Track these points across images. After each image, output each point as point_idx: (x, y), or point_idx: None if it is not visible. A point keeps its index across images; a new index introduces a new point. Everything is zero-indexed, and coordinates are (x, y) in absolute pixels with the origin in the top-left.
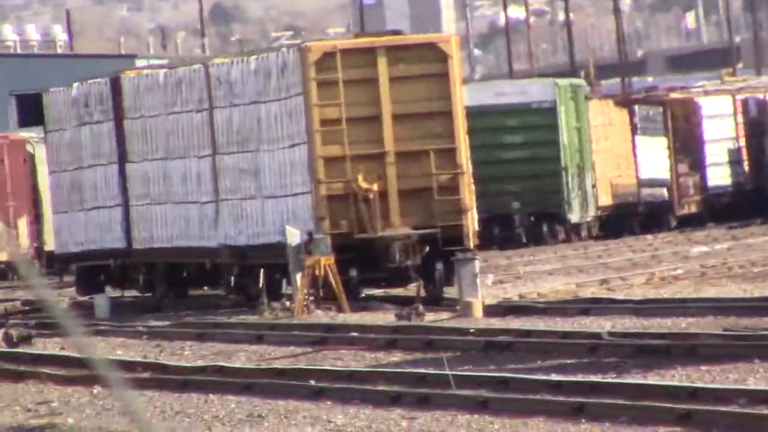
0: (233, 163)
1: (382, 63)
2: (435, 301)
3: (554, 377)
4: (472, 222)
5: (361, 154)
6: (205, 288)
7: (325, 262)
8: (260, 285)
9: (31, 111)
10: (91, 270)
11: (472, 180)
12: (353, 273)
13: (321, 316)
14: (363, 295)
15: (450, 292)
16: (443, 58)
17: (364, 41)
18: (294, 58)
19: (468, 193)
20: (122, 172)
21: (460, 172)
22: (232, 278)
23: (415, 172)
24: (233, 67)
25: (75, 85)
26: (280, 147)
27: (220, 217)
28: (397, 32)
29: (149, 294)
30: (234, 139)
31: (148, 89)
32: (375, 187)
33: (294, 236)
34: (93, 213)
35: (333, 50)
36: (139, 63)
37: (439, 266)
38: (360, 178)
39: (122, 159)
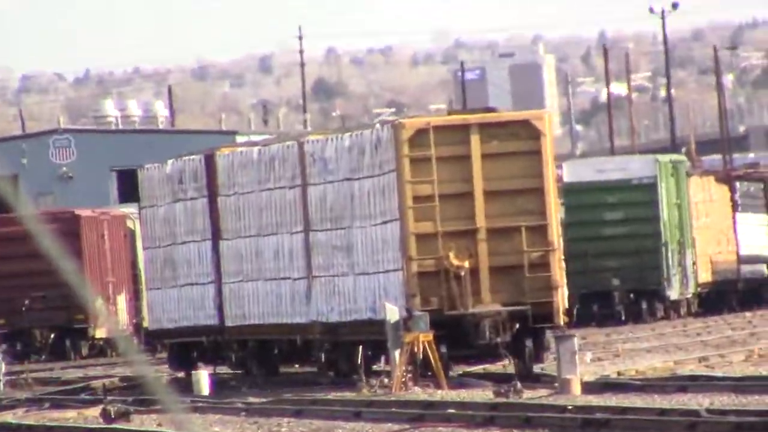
0: (326, 239)
1: (474, 140)
2: (527, 378)
3: None
4: (562, 299)
5: (453, 230)
6: (296, 365)
7: (424, 338)
8: (358, 361)
9: (131, 187)
10: (183, 346)
11: (562, 257)
12: (443, 349)
13: (419, 393)
14: (452, 372)
15: (547, 368)
16: (536, 135)
17: (457, 118)
18: (388, 134)
19: (559, 270)
20: (215, 249)
21: (551, 249)
22: (323, 354)
23: (506, 249)
24: (328, 143)
25: (170, 161)
26: (373, 224)
27: (312, 294)
28: (491, 109)
29: (241, 371)
30: (327, 215)
31: (242, 166)
32: (466, 263)
33: (393, 313)
34: (186, 289)
35: (426, 127)
36: (240, 139)
37: (529, 343)
38: (451, 254)
39: (215, 235)
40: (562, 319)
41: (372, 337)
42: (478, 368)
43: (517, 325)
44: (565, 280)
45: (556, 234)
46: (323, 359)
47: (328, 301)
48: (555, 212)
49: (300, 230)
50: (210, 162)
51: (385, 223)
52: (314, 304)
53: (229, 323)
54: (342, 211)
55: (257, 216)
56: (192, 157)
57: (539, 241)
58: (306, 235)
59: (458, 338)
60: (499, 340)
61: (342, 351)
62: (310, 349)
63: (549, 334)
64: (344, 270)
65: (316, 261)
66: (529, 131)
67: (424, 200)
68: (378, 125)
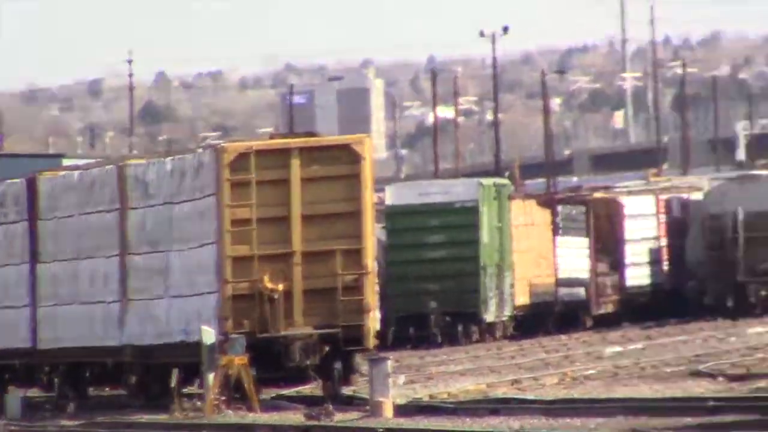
0: (143, 262)
1: (295, 164)
2: (335, 400)
3: None
4: (373, 322)
5: (269, 254)
6: (106, 389)
7: (239, 362)
8: (172, 384)
9: None
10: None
11: (376, 280)
12: (253, 372)
13: (232, 416)
14: (265, 395)
15: (360, 391)
16: (356, 159)
17: (278, 142)
18: (209, 158)
19: (371, 293)
20: (32, 272)
21: (364, 273)
22: (134, 377)
23: (320, 272)
24: (149, 167)
25: None
26: (190, 247)
27: (126, 317)
28: (312, 134)
29: (54, 394)
30: (145, 239)
31: (64, 190)
32: (280, 287)
33: (209, 335)
34: (1, 313)
35: (248, 151)
36: (66, 162)
37: (338, 365)
38: (266, 278)
39: (33, 259)
40: (372, 342)
41: (184, 359)
42: (291, 391)
43: (327, 348)
44: (377, 303)
45: (370, 258)
46: (135, 382)
47: (142, 324)
48: (371, 236)
49: (116, 254)
50: (32, 185)
51: (202, 246)
52: (127, 328)
53: (41, 346)
54: (160, 234)
55: (75, 240)
56: (14, 180)
57: (353, 265)
58: (122, 258)
59: (269, 361)
60: (308, 362)
61: (154, 374)
62: (121, 372)
63: (358, 357)
64: (159, 293)
65: (132, 284)
66: (349, 155)
67: (242, 224)
68: (200, 149)
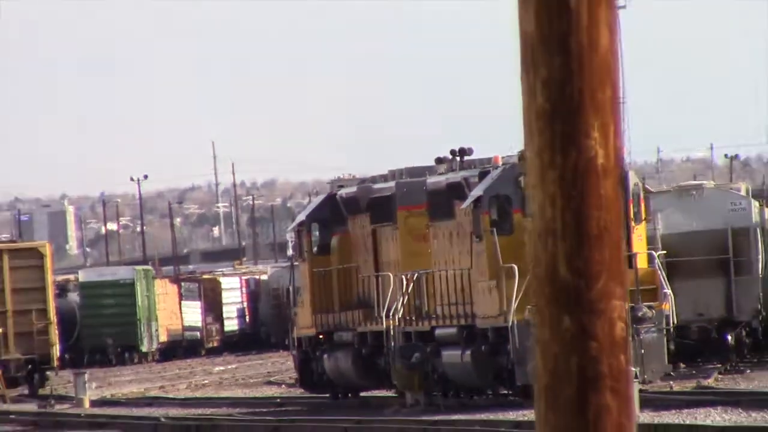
0: None
1: (5, 258)
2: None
3: None
4: (55, 352)
5: None
6: None
7: None
8: None
9: None
10: None
11: (56, 328)
12: None
13: None
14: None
15: (69, 392)
16: (41, 256)
17: None
18: None
19: (54, 335)
20: None
21: (49, 323)
22: None
23: (24, 322)
24: None
25: None
26: None
27: None
28: (13, 241)
29: None
30: None
31: None
32: (0, 330)
33: None
34: None
35: None
36: None
37: (36, 376)
38: None
39: None
40: (55, 363)
41: None
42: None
43: (30, 366)
44: (57, 341)
45: (52, 313)
46: None
47: None
48: (51, 301)
49: None
50: None
51: None
52: None
53: None
54: None
55: None
56: None
57: (42, 317)
58: None
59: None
60: (19, 374)
61: None
62: None
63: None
64: None
65: None
66: (37, 254)
67: None
68: None
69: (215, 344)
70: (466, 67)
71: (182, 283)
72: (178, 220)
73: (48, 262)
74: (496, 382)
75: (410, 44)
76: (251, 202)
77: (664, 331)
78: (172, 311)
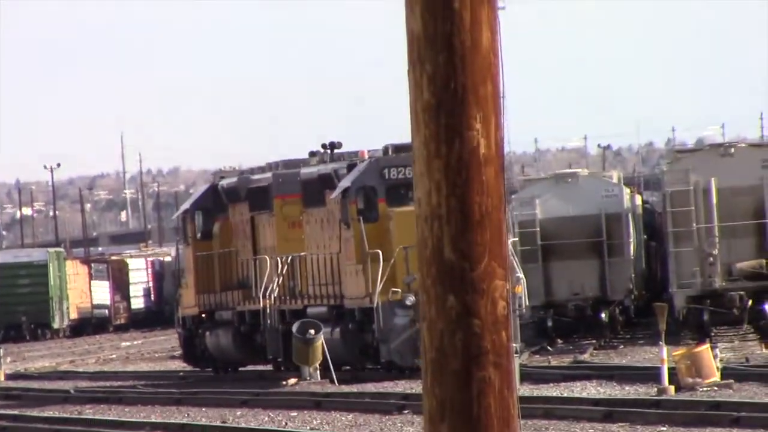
0: None
1: None
2: None
3: None
4: None
5: None
6: None
7: None
8: None
9: None
10: None
11: None
12: None
13: None
14: None
15: None
16: None
17: None
18: None
19: None
20: None
21: None
22: None
23: None
24: None
25: None
26: None
27: None
28: None
29: None
30: None
31: None
32: None
33: None
34: None
35: None
36: None
37: None
38: None
39: None
40: None
41: None
42: None
43: None
44: None
45: None
46: None
47: None
48: None
49: None
50: None
51: None
52: None
53: None
54: None
55: None
56: None
57: None
58: None
59: None
60: None
61: None
62: None
63: None
64: None
65: None
66: None
67: None
68: None
69: (123, 321)
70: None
71: (92, 264)
72: (88, 206)
73: None
74: (362, 357)
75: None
76: (156, 189)
77: (518, 313)
78: (82, 290)
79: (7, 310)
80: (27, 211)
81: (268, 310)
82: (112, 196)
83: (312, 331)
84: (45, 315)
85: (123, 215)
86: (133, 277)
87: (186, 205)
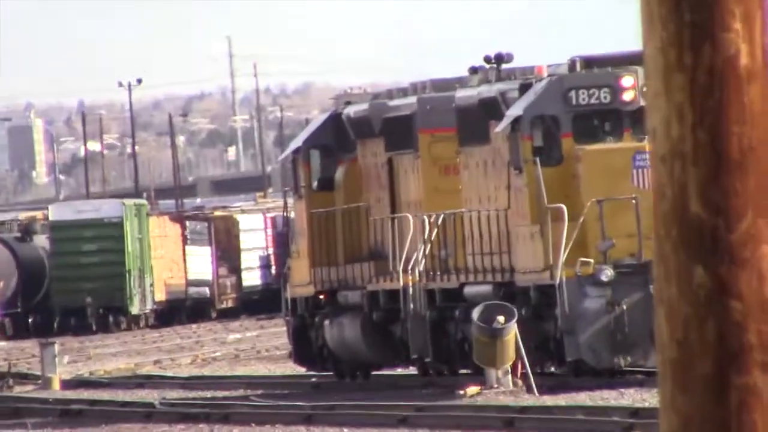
0: None
1: None
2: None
3: None
4: None
5: None
6: None
7: None
8: None
9: None
10: None
11: None
12: None
13: None
14: None
15: (33, 369)
16: None
17: None
18: None
19: None
20: None
21: None
22: None
23: None
24: None
25: None
26: None
27: None
28: None
29: None
30: None
31: None
32: None
33: None
34: None
35: None
36: None
37: None
38: None
39: None
40: None
41: None
42: None
43: None
44: None
45: None
46: None
47: None
48: None
49: None
50: None
51: None
52: None
53: None
54: None
55: None
56: None
57: None
58: None
59: None
60: None
61: None
62: None
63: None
64: None
65: None
66: None
67: None
68: None
69: (230, 304)
70: None
71: (187, 223)
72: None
73: None
74: (541, 355)
75: None
76: (279, 115)
77: None
78: (172, 260)
79: (66, 288)
80: (94, 146)
81: (410, 290)
82: (215, 126)
83: (501, 319)
84: (119, 296)
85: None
86: (245, 241)
87: (297, 142)
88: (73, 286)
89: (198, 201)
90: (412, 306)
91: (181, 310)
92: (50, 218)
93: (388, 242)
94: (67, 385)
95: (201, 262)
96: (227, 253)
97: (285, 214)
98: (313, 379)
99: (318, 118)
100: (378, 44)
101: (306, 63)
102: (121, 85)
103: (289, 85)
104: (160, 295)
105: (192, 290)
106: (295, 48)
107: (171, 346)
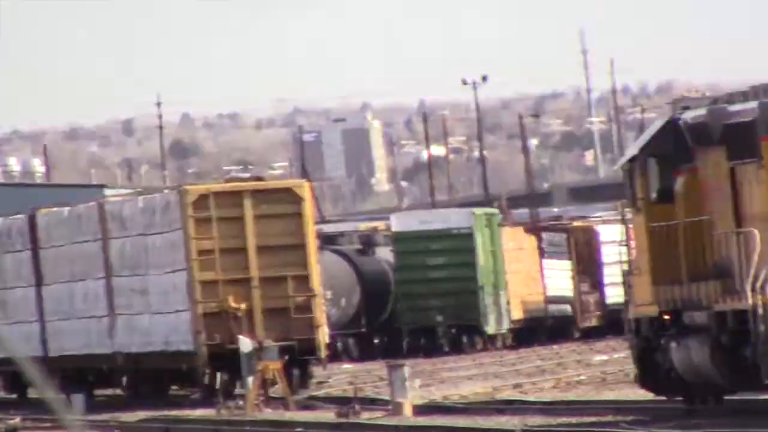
0: (126, 283)
1: (247, 204)
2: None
3: None
4: (323, 336)
5: (231, 278)
6: (116, 390)
7: (273, 367)
8: (216, 386)
9: None
10: (14, 374)
11: (323, 300)
12: (224, 377)
13: (270, 414)
14: (299, 396)
15: (381, 393)
16: (298, 200)
17: (232, 186)
18: (175, 198)
19: (319, 312)
20: (38, 293)
21: (312, 295)
22: (125, 379)
23: (275, 294)
24: (125, 204)
25: (0, 219)
26: (165, 272)
27: (114, 329)
28: (259, 178)
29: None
30: (126, 264)
31: (57, 223)
32: (242, 306)
33: (246, 344)
34: (15, 327)
35: (207, 193)
36: (108, 192)
37: (295, 371)
38: (230, 298)
39: (38, 282)
40: (323, 353)
41: (165, 365)
42: (321, 392)
43: (286, 357)
44: (325, 320)
45: (316, 282)
46: (127, 384)
47: (129, 335)
48: (315, 264)
49: (102, 276)
50: (32, 220)
51: (174, 271)
52: (116, 338)
53: (51, 354)
54: (138, 260)
55: (69, 265)
56: (18, 216)
57: (302, 288)
58: (108, 280)
59: (236, 367)
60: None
61: (144, 377)
62: (115, 375)
63: (312, 366)
64: (141, 309)
65: (118, 301)
66: (291, 197)
67: (206, 253)
68: (166, 190)
69: (594, 323)
70: None
71: (543, 234)
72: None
73: (307, 208)
74: None
75: None
76: (639, 116)
77: None
78: (528, 275)
79: (414, 306)
80: (438, 149)
81: (760, 311)
82: (570, 128)
83: None
84: (473, 314)
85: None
86: (606, 254)
87: (633, 150)
88: (421, 303)
89: (554, 210)
90: (762, 327)
91: (541, 329)
92: (393, 229)
93: (733, 259)
94: (419, 411)
95: (560, 277)
96: (588, 267)
97: (623, 227)
98: (684, 408)
99: (655, 124)
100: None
101: (666, 58)
102: (465, 83)
103: (650, 83)
104: (517, 314)
105: (552, 308)
106: (654, 44)
107: (531, 368)
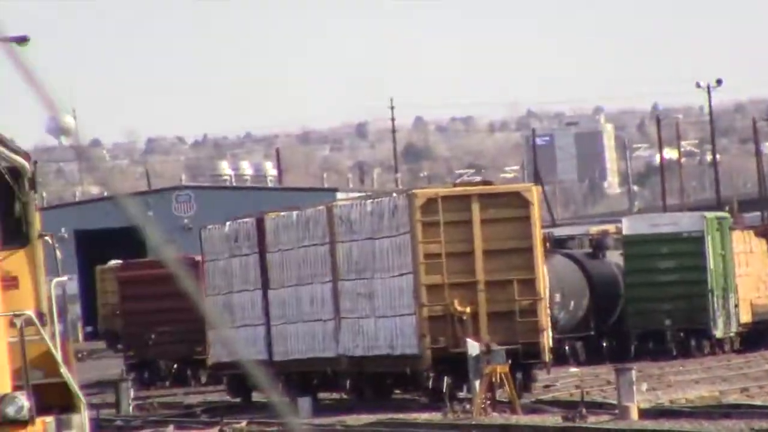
0: (351, 287)
1: (475, 208)
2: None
3: None
4: (547, 340)
5: (457, 282)
6: (333, 394)
7: (501, 370)
8: (443, 390)
9: None
10: (239, 377)
11: (548, 304)
12: (448, 381)
13: (497, 418)
14: (525, 399)
15: (608, 397)
16: (525, 204)
17: (460, 190)
18: (403, 202)
19: (544, 316)
20: (265, 297)
21: (538, 299)
22: (348, 382)
23: (501, 298)
24: (353, 208)
25: (228, 223)
26: (391, 275)
27: (339, 332)
28: (487, 182)
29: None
30: (353, 267)
31: (285, 227)
32: (468, 309)
33: (474, 347)
34: (240, 330)
35: (435, 197)
36: (339, 195)
37: (519, 375)
38: (456, 302)
39: (265, 285)
40: (547, 357)
41: (389, 369)
42: (548, 396)
43: (510, 361)
44: (549, 324)
45: (542, 286)
46: (350, 387)
47: (353, 339)
48: (541, 267)
49: (329, 280)
50: (260, 224)
51: (401, 275)
52: (341, 341)
53: (276, 358)
54: (365, 264)
55: (296, 269)
56: (245, 219)
57: (528, 292)
58: (334, 284)
59: (461, 371)
60: None
61: (366, 380)
62: (339, 378)
63: (535, 369)
64: (367, 313)
65: (344, 305)
66: (519, 201)
67: (433, 257)
68: (395, 194)
69: None
70: None
71: None
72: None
73: (534, 212)
74: None
75: None
76: None
77: None
78: (758, 278)
79: (643, 308)
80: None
81: None
82: None
83: None
84: (702, 318)
85: None
86: None
87: None
88: (651, 306)
89: None
90: None
91: None
92: (624, 232)
93: None
94: (645, 414)
95: None
96: None
97: None
98: None
99: None
100: None
101: None
102: (699, 86)
103: None
104: (746, 317)
105: None
106: None
107: (758, 372)
